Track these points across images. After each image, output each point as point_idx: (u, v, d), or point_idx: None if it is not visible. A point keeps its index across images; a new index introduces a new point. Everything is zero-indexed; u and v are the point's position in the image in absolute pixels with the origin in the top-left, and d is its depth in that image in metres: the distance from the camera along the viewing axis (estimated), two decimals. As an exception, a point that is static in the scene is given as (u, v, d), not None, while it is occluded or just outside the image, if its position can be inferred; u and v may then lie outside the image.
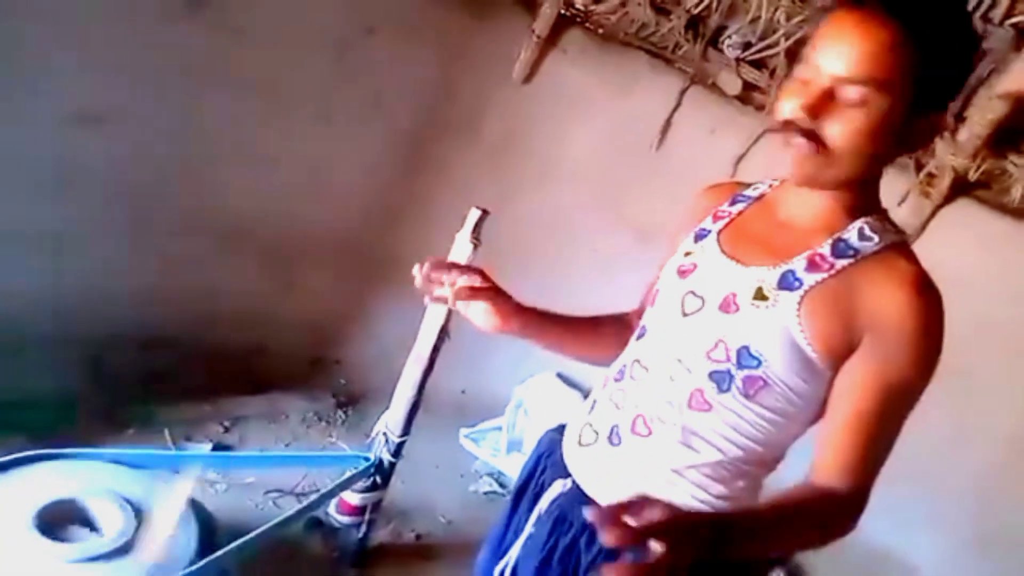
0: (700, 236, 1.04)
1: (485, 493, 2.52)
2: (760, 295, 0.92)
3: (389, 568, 2.08)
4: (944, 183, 2.30)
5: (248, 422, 2.39)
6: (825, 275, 0.91)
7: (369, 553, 2.05)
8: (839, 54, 0.84)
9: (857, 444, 0.90)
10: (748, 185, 1.08)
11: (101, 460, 1.59)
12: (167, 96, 2.17)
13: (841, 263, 0.91)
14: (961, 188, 2.30)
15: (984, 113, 2.16)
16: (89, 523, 1.47)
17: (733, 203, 1.06)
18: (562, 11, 2.50)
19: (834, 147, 0.86)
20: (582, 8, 2.50)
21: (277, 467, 2.17)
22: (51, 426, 1.93)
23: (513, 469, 2.58)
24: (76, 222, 2.15)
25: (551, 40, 2.57)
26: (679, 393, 0.97)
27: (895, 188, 2.35)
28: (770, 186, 1.05)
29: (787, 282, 0.92)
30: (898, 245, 0.93)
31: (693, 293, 0.98)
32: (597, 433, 1.06)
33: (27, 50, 1.87)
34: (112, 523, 1.45)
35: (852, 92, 0.84)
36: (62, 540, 1.41)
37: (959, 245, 2.26)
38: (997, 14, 2.08)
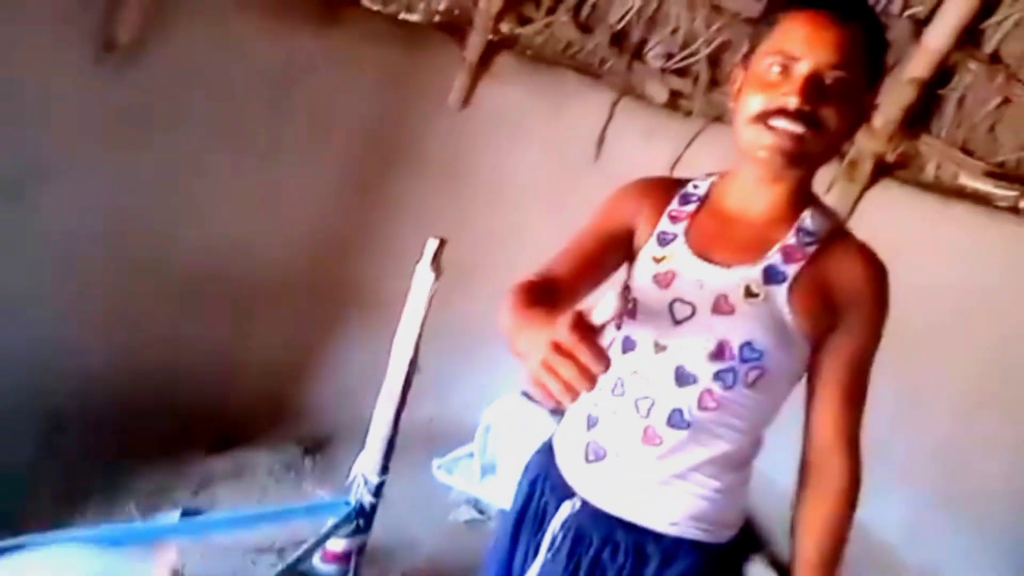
0: (665, 240, 1.05)
1: (465, 522, 2.49)
2: (750, 292, 0.98)
3: (380, 611, 2.04)
4: (866, 168, 2.44)
5: (216, 482, 2.30)
6: (803, 263, 0.99)
7: (358, 599, 2.00)
8: (820, 44, 0.93)
9: (849, 414, 1.01)
10: (684, 182, 1.12)
11: (71, 542, 1.49)
12: (109, 147, 2.11)
13: (808, 250, 1.00)
14: (882, 171, 2.44)
15: (895, 99, 2.31)
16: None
17: (684, 203, 1.08)
18: (490, 36, 2.54)
19: (827, 125, 0.94)
20: (509, 32, 2.55)
21: (256, 525, 2.07)
22: (4, 507, 1.80)
23: (489, 494, 2.55)
24: (23, 285, 2.05)
25: (483, 66, 2.61)
26: (687, 397, 1.00)
27: (821, 178, 2.44)
28: (711, 183, 1.09)
29: (771, 276, 0.99)
30: (841, 227, 1.05)
31: (681, 300, 1.01)
32: (605, 448, 1.06)
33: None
34: (91, 606, 1.37)
35: (834, 76, 0.93)
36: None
37: (888, 221, 2.37)
38: (895, 8, 2.23)
